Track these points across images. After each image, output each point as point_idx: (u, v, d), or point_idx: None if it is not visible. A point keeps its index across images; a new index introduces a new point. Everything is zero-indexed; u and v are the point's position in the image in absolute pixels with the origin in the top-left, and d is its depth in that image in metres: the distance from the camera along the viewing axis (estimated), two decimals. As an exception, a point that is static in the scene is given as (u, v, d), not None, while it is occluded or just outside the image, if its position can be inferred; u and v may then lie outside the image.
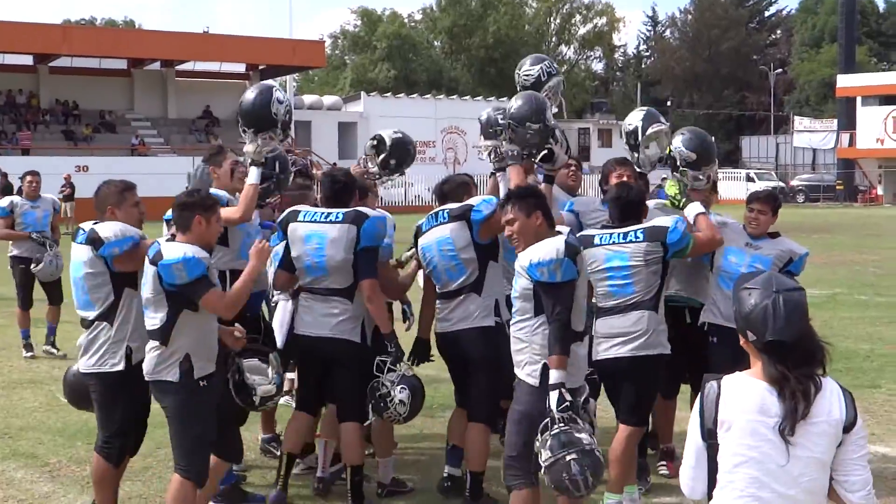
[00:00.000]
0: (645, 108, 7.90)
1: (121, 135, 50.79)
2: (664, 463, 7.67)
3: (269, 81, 7.27)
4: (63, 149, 46.40)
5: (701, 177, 7.23)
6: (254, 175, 6.94)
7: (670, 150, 7.27)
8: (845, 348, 12.31)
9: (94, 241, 6.03)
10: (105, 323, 6.12)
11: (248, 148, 7.03)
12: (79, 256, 6.14)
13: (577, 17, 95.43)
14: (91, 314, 6.15)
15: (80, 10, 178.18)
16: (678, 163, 7.20)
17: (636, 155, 7.60)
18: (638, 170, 7.58)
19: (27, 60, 51.54)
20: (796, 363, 3.54)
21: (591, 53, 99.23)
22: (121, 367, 6.10)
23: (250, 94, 7.20)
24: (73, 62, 51.72)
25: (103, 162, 42.30)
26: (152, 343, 5.83)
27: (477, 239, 6.77)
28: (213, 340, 6.01)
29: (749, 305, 3.61)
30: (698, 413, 3.66)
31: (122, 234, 6.06)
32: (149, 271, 5.77)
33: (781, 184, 61.00)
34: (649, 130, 7.47)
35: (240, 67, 56.73)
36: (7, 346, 13.31)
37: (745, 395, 3.58)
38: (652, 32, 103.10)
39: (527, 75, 7.61)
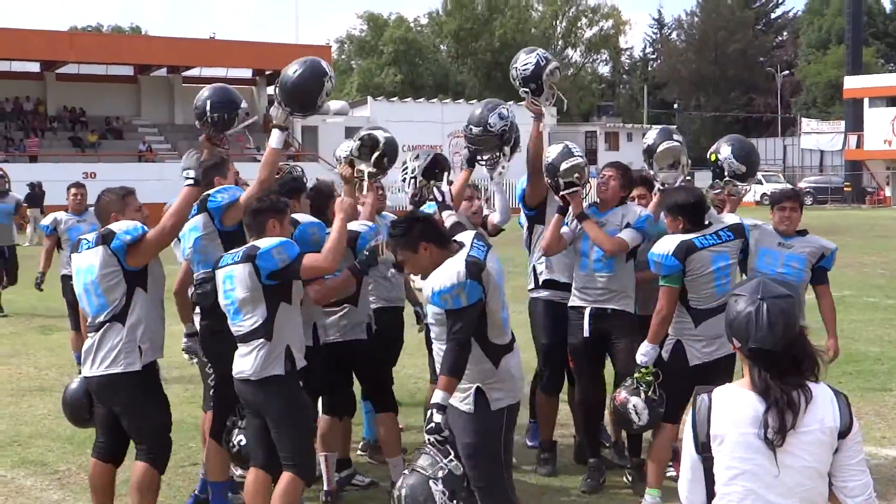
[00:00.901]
0: (662, 125, 8.03)
1: (128, 141, 50.84)
2: (671, 464, 7.70)
3: (322, 65, 6.86)
4: (70, 155, 46.46)
5: (744, 187, 7.34)
6: (275, 138, 6.79)
7: (716, 158, 7.35)
8: (855, 351, 12.29)
9: (105, 237, 6.08)
10: (117, 323, 6.12)
11: (274, 111, 6.90)
12: (89, 261, 6.18)
13: (584, 20, 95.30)
14: (103, 316, 6.15)
15: (86, 17, 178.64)
16: (725, 173, 7.30)
17: (650, 171, 7.68)
18: (659, 186, 7.61)
19: (34, 67, 51.58)
20: (781, 372, 3.53)
21: (598, 56, 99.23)
22: (138, 366, 6.13)
23: (300, 76, 6.77)
24: (79, 69, 51.79)
25: (110, 168, 42.27)
26: (253, 343, 5.89)
27: None
28: (302, 333, 6.20)
29: (734, 312, 3.63)
30: (691, 427, 3.66)
31: (131, 226, 6.14)
32: (238, 273, 5.86)
33: (789, 185, 60.90)
34: (659, 148, 7.51)
35: (246, 73, 56.70)
36: (17, 354, 13.34)
37: (737, 407, 3.58)
38: (658, 35, 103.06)
39: (525, 66, 7.57)
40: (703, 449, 3.61)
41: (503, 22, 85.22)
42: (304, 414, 6.08)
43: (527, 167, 7.65)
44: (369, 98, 61.62)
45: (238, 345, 6.00)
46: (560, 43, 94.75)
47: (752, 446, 3.52)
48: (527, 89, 7.56)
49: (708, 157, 7.49)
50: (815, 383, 3.58)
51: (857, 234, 34.16)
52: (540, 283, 7.85)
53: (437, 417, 5.14)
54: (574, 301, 7.50)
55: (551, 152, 7.41)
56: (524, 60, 7.61)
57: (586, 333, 7.35)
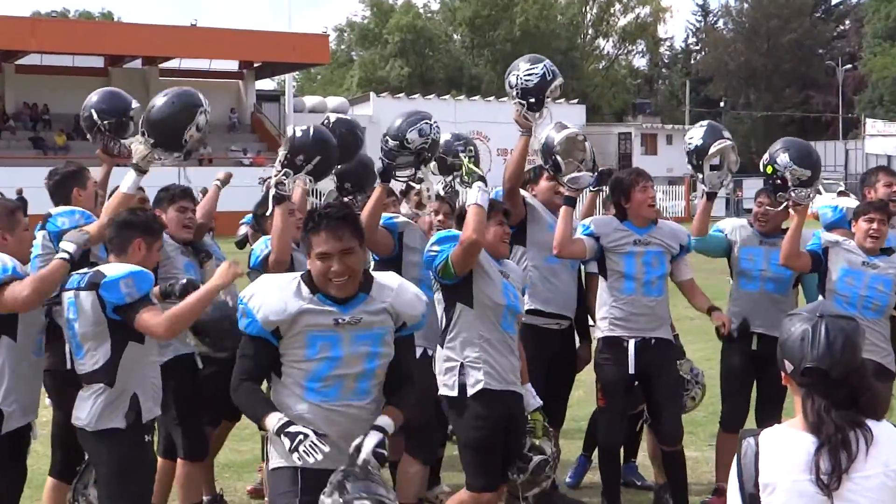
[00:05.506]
0: (706, 121, 8.02)
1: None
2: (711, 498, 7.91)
3: (197, 98, 6.80)
4: (31, 158, 46.53)
5: (811, 193, 7.40)
6: (130, 182, 6.65)
7: (774, 170, 7.35)
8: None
9: None
10: None
11: (139, 149, 6.67)
12: None
13: (617, 7, 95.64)
14: None
15: (51, 1, 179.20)
16: (790, 183, 7.33)
17: (700, 175, 7.75)
18: (705, 188, 7.85)
19: (-10, 58, 51.94)
20: (837, 403, 3.52)
21: (633, 48, 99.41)
22: None
23: (167, 106, 6.69)
24: (42, 60, 52.11)
25: (77, 173, 42.31)
26: (93, 387, 5.67)
27: None
28: (158, 377, 5.95)
29: (788, 331, 3.65)
30: (736, 476, 3.64)
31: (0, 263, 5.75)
32: (83, 301, 5.59)
33: (853, 197, 60.79)
34: (713, 148, 7.61)
35: (232, 65, 57.04)
36: None
37: (788, 451, 3.56)
38: (702, 23, 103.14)
39: (528, 76, 7.50)
40: (752, 500, 3.59)
41: (525, 8, 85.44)
42: (140, 477, 5.79)
43: (503, 184, 7.72)
44: (372, 94, 61.87)
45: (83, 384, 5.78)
46: (590, 32, 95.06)
47: (807, 494, 3.49)
48: (523, 101, 7.53)
49: (762, 169, 7.48)
50: (876, 422, 3.57)
51: (929, 251, 34.04)
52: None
53: None
54: (612, 332, 7.52)
55: (542, 136, 7.57)
56: (528, 70, 7.54)
57: (632, 370, 7.40)
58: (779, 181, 7.38)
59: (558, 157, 7.44)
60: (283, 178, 6.71)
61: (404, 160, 7.28)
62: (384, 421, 4.81)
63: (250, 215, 8.54)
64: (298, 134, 6.90)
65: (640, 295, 7.41)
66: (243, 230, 8.44)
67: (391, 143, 7.29)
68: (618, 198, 7.60)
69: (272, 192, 6.75)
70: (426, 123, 7.34)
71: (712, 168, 7.60)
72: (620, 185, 7.60)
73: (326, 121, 7.91)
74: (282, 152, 6.78)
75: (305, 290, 4.84)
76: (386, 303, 4.94)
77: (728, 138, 7.70)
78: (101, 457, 5.75)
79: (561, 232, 7.34)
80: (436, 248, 6.31)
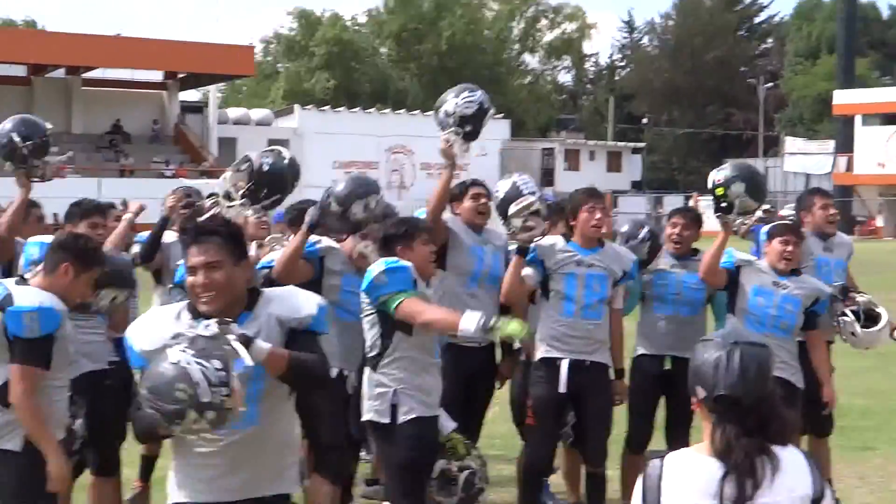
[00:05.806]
0: (645, 228, 8.18)
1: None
2: None
3: (134, 281, 7.23)
4: (-51, 168, 45.80)
5: (747, 222, 7.61)
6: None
7: (724, 192, 7.45)
8: (838, 404, 12.35)
9: None
10: None
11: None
12: None
13: (544, 22, 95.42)
14: None
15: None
16: (735, 210, 7.45)
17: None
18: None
19: None
20: (747, 431, 3.53)
21: (559, 63, 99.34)
22: None
23: (119, 261, 7.06)
24: (-38, 68, 51.33)
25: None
26: None
27: None
28: (64, 400, 5.85)
29: (701, 357, 3.64)
30: (641, 497, 3.64)
31: None
32: None
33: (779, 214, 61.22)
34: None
35: (156, 76, 56.38)
36: None
37: (693, 476, 3.57)
38: (628, 40, 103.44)
39: (468, 102, 7.48)
40: None
41: (452, 22, 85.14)
42: (42, 499, 5.60)
43: (426, 214, 7.59)
44: (296, 106, 61.43)
45: None
46: (516, 47, 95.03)
47: (709, 521, 3.52)
48: (459, 129, 7.47)
49: (712, 188, 7.50)
50: (783, 447, 3.59)
51: (846, 269, 34.27)
52: None
53: None
54: (548, 353, 7.51)
55: (500, 189, 7.49)
56: (467, 97, 7.49)
57: (563, 388, 7.39)
58: (724, 205, 7.47)
59: (513, 220, 7.28)
60: (240, 207, 6.66)
61: (339, 226, 7.23)
62: (258, 341, 4.38)
63: (142, 233, 8.42)
64: (265, 167, 6.81)
65: (579, 318, 7.39)
66: (136, 248, 8.32)
67: (334, 206, 7.14)
68: (567, 215, 7.67)
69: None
70: (374, 199, 7.20)
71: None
72: (571, 202, 7.66)
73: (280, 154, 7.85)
74: (238, 180, 6.73)
75: (186, 315, 4.57)
76: (266, 315, 4.61)
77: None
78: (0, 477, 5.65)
79: (509, 282, 7.38)
80: (383, 277, 6.21)
